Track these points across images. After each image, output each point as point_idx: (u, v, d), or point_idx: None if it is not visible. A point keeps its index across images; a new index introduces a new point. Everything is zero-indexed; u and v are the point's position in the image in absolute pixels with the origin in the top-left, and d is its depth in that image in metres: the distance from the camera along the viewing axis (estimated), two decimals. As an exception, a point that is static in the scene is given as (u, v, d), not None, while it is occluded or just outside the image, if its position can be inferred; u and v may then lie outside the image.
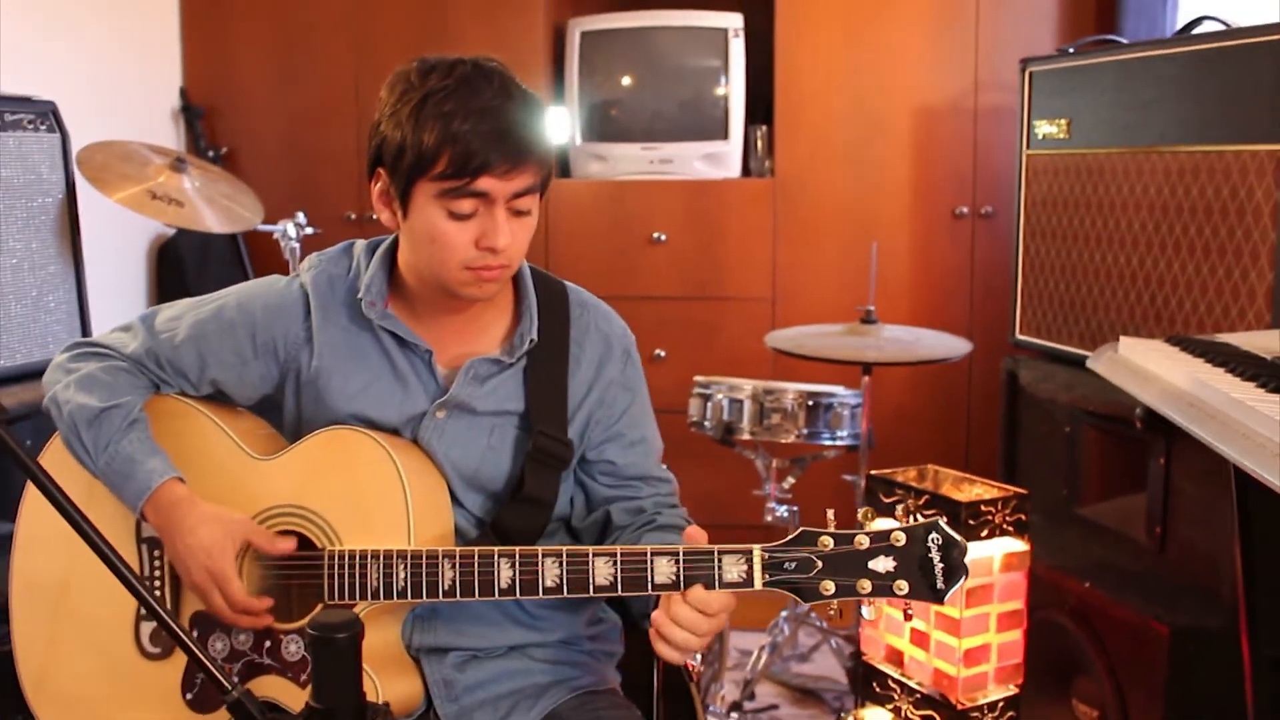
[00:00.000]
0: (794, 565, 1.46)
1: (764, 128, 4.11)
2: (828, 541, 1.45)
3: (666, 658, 1.49)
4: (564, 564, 1.52)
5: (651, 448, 1.81)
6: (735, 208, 4.02)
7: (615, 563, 1.50)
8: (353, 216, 4.20)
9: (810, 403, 3.12)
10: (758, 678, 3.38)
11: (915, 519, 1.46)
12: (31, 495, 1.77)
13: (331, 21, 4.20)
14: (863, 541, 1.45)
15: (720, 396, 3.14)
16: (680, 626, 1.46)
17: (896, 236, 4.01)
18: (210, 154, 4.17)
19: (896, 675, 2.32)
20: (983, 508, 2.12)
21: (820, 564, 1.45)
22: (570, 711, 1.68)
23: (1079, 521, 2.64)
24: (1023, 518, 2.19)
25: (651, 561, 1.49)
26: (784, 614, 3.41)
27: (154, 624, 1.71)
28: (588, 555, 1.51)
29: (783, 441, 3.15)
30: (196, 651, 1.32)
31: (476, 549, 1.55)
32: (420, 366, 1.70)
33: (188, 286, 4.06)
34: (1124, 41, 2.78)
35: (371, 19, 4.17)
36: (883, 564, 1.45)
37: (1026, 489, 2.26)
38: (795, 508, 3.32)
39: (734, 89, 3.98)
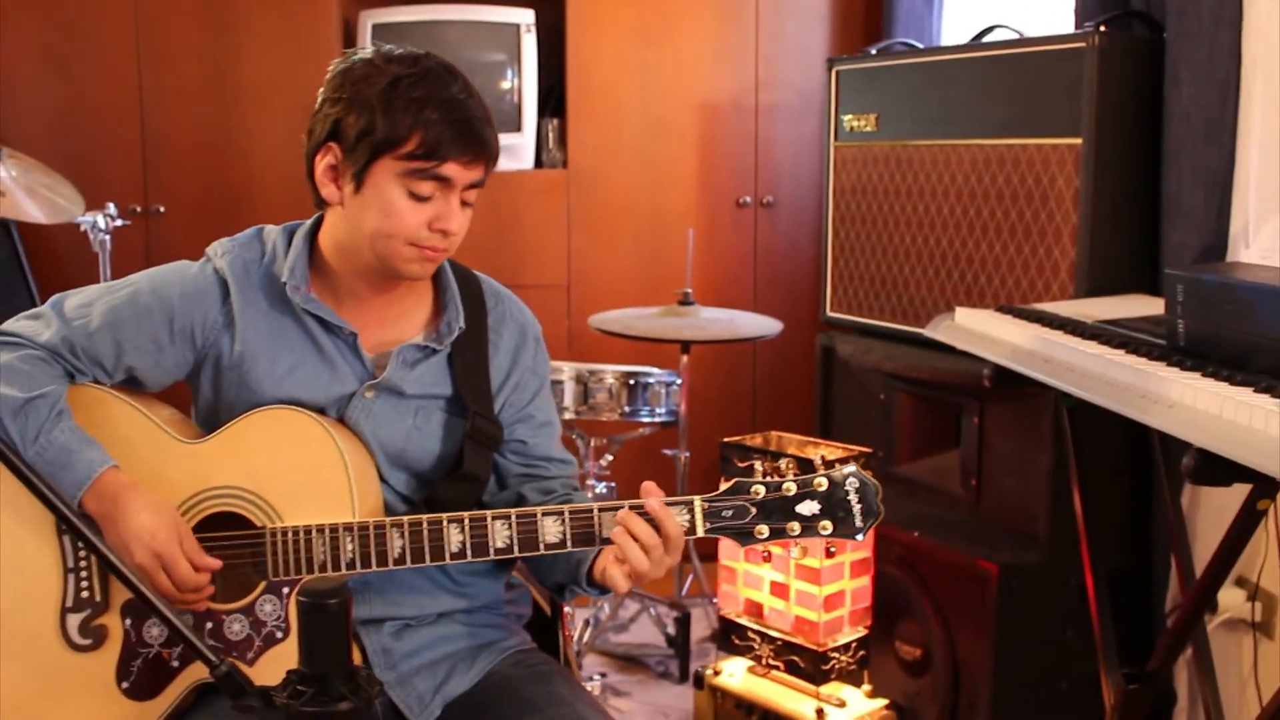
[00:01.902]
0: (731, 513, 1.60)
1: (556, 121, 4.24)
2: (759, 490, 1.60)
3: (616, 584, 1.59)
4: (513, 525, 1.61)
5: (556, 429, 1.92)
6: (529, 198, 4.14)
7: (564, 520, 1.61)
8: (138, 209, 4.06)
9: (631, 382, 3.29)
10: (584, 650, 3.52)
11: (770, 476, 1.62)
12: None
13: (112, 8, 4.04)
14: (790, 488, 1.61)
15: (540, 379, 3.25)
16: (637, 541, 1.56)
17: (684, 225, 4.22)
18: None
19: (756, 626, 2.50)
20: (835, 464, 2.32)
21: (754, 510, 1.60)
22: (510, 669, 1.77)
23: (896, 479, 2.91)
24: (870, 473, 2.41)
25: (599, 517, 1.60)
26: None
27: (81, 615, 1.69)
28: (536, 515, 1.61)
29: (604, 420, 3.30)
30: (185, 631, 1.32)
31: (424, 516, 1.63)
32: (345, 349, 1.75)
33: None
34: (920, 46, 3.07)
35: (156, 6, 4.04)
36: (808, 507, 1.60)
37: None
38: (614, 484, 3.49)
39: (526, 83, 4.09)
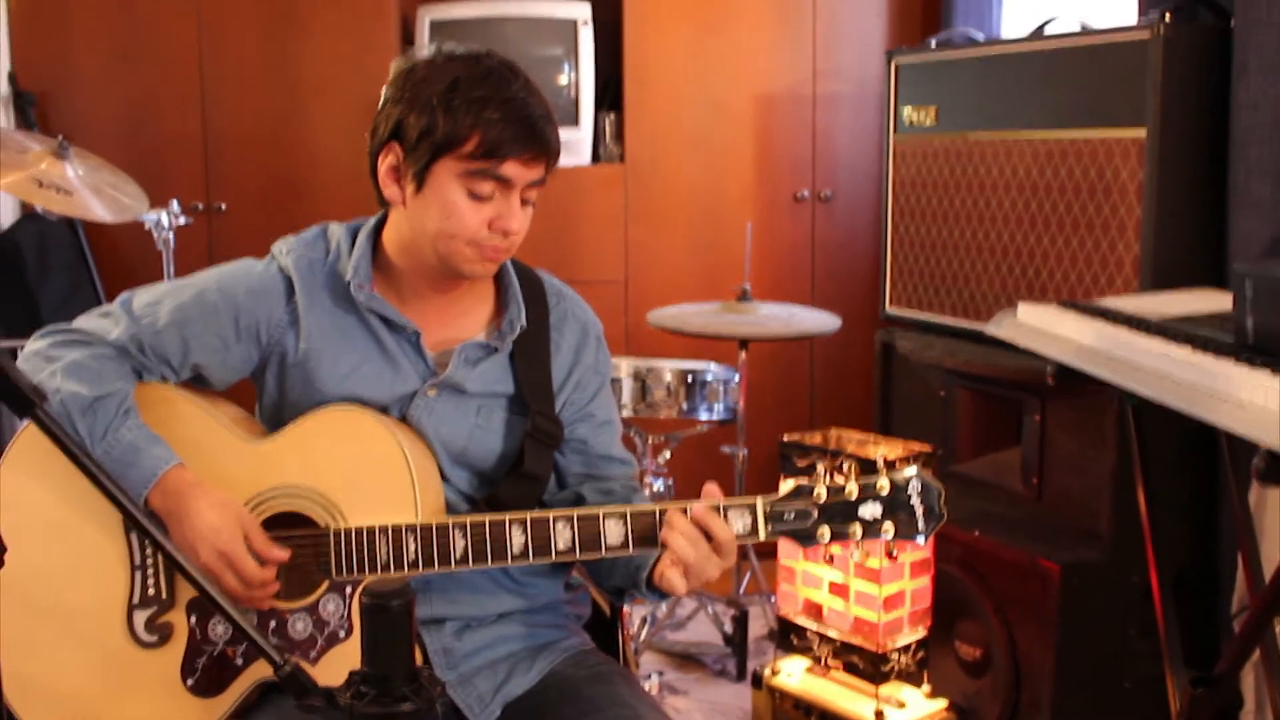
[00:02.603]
0: (793, 515, 1.59)
1: (612, 115, 4.24)
2: (821, 493, 1.59)
3: (674, 587, 1.59)
4: (575, 526, 1.61)
5: (616, 429, 1.92)
6: (587, 193, 4.15)
7: (626, 522, 1.61)
8: (200, 206, 4.11)
9: (689, 379, 3.28)
10: (641, 649, 3.53)
11: (831, 478, 1.61)
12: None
13: (174, 4, 4.08)
14: (852, 491, 1.60)
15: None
16: (684, 538, 1.56)
17: (742, 218, 4.21)
18: (45, 143, 4.01)
19: (815, 627, 2.49)
20: (898, 464, 2.30)
21: (816, 513, 1.59)
22: (569, 669, 1.78)
23: (955, 477, 2.88)
24: (931, 474, 2.40)
25: (660, 517, 1.60)
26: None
27: (147, 612, 1.71)
28: (598, 516, 1.61)
29: (662, 417, 3.30)
30: (249, 630, 1.33)
31: (486, 517, 1.63)
32: (408, 347, 1.77)
33: (28, 282, 3.91)
34: (980, 38, 3.03)
35: (218, 4, 4.08)
36: (870, 510, 1.60)
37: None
38: (671, 481, 3.48)
39: (583, 78, 4.09)
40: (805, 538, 1.60)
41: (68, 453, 1.31)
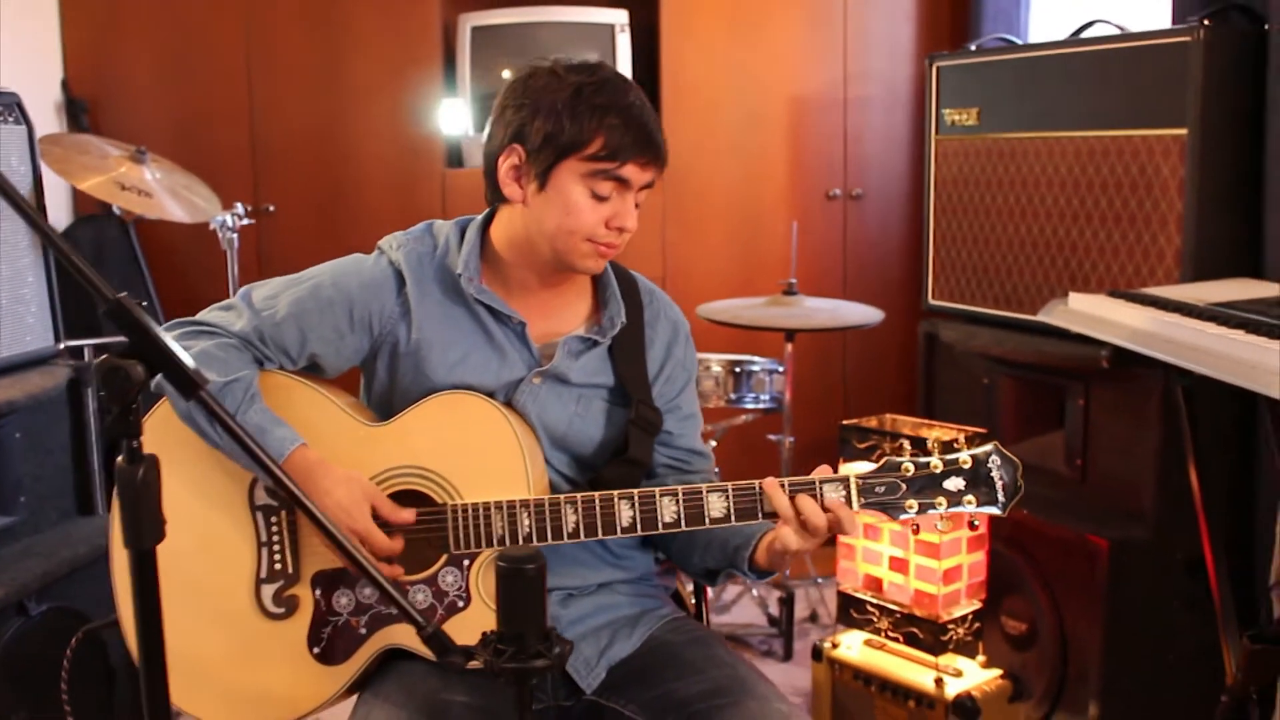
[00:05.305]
0: (883, 489, 1.72)
1: (649, 118, 4.35)
2: (909, 468, 1.72)
3: (790, 543, 1.69)
4: (680, 501, 1.74)
5: (699, 423, 2.05)
6: (625, 193, 4.25)
7: (728, 496, 1.73)
8: (249, 208, 4.22)
9: (736, 370, 3.42)
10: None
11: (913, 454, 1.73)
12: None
13: (223, 13, 4.20)
14: (937, 465, 1.72)
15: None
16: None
17: (776, 218, 4.33)
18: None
19: (876, 600, 2.62)
20: (955, 445, 2.43)
21: (904, 487, 1.72)
22: (669, 634, 1.90)
23: (1000, 460, 3.00)
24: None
25: (760, 492, 1.72)
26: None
27: (275, 586, 1.82)
28: (701, 491, 1.73)
29: (710, 407, 3.43)
30: (393, 592, 1.38)
31: (596, 494, 1.75)
32: (513, 338, 1.88)
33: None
34: (1018, 42, 3.16)
35: (265, 10, 4.20)
36: (954, 484, 1.72)
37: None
38: (718, 469, 3.61)
39: (620, 82, 4.21)
40: (894, 509, 1.72)
41: (229, 432, 1.37)
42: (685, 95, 4.27)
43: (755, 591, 3.75)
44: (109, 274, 4.08)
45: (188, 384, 1.31)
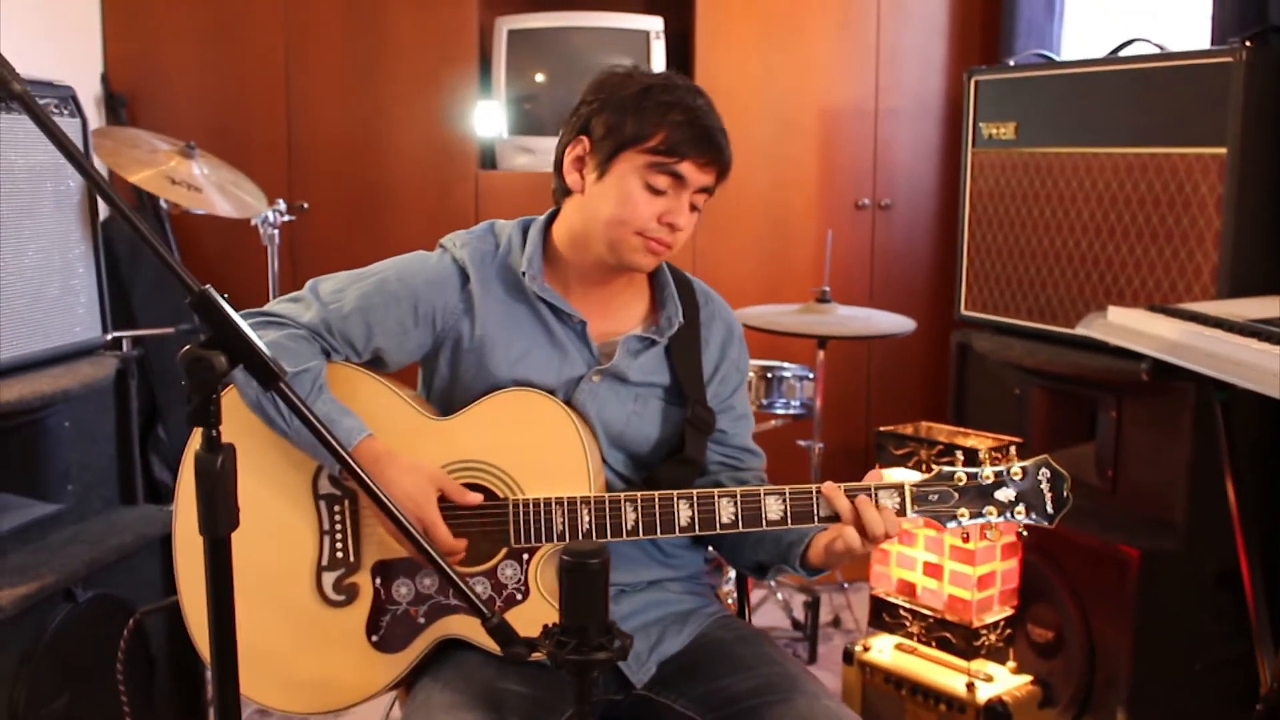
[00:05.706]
0: (936, 497, 1.76)
1: (683, 125, 4.39)
2: (961, 477, 1.76)
3: (854, 544, 1.72)
4: (738, 503, 1.78)
5: (750, 423, 2.10)
6: (657, 199, 4.29)
7: (785, 499, 1.77)
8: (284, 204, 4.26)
9: (768, 375, 3.46)
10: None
11: (931, 467, 1.77)
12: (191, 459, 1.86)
13: (262, 10, 4.24)
14: (989, 476, 1.77)
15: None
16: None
17: (806, 226, 4.38)
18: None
19: (908, 605, 2.66)
20: (994, 454, 2.47)
21: (956, 495, 1.76)
22: (718, 632, 1.94)
23: (1029, 471, 3.04)
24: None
25: (817, 496, 1.76)
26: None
27: (336, 573, 1.87)
28: (759, 494, 1.77)
29: (740, 411, 3.47)
30: (460, 582, 1.41)
31: (655, 493, 1.79)
32: (574, 336, 1.92)
33: (122, 275, 4.06)
34: (1054, 58, 3.20)
35: (303, 9, 4.24)
36: (1005, 494, 1.77)
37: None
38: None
39: (654, 88, 4.24)
40: (946, 518, 1.76)
41: (304, 421, 1.39)
42: (718, 102, 4.16)
43: (780, 595, 3.79)
44: (145, 266, 4.14)
45: (268, 374, 1.33)
